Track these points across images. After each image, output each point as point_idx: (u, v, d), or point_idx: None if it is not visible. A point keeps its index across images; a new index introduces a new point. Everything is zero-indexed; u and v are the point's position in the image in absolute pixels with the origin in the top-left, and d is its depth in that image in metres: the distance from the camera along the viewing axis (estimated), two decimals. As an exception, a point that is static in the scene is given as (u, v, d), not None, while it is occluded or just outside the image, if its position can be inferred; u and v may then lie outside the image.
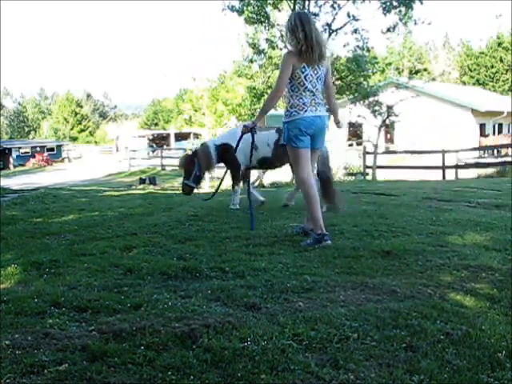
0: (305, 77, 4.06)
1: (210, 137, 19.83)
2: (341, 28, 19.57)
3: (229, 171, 6.26)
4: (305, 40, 3.96)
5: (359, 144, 28.38)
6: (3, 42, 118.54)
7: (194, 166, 6.09)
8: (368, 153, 19.44)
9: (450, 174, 16.38)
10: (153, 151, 39.80)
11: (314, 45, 3.98)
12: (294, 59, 4.03)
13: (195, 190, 6.55)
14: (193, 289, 2.95)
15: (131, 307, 2.65)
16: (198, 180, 6.23)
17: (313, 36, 3.99)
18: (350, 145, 30.42)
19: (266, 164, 6.44)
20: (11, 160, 45.98)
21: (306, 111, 4.07)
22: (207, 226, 4.86)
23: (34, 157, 46.65)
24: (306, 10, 18.87)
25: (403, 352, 2.12)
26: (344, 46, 19.75)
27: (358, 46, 19.40)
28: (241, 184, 6.34)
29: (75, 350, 2.14)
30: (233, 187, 6.35)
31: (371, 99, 20.20)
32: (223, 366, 2.01)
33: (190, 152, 6.53)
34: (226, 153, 6.07)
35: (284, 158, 6.17)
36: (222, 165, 6.52)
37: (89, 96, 77.88)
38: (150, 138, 49.63)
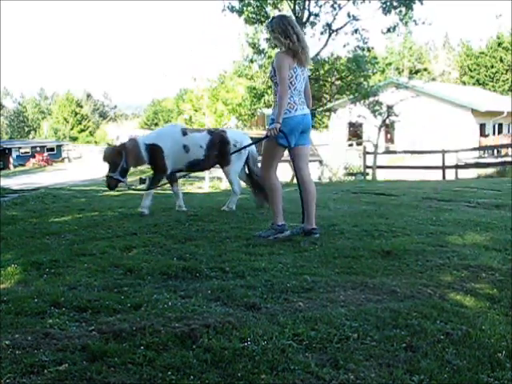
0: (296, 76, 4.22)
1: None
2: (341, 28, 19.61)
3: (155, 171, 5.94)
4: (298, 42, 4.14)
5: (359, 144, 28.38)
6: (3, 42, 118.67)
7: (120, 158, 5.62)
8: (368, 153, 19.44)
9: (450, 174, 16.38)
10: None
11: (305, 46, 4.20)
12: (290, 59, 4.17)
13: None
14: (193, 289, 2.95)
15: (131, 307, 2.65)
16: (125, 173, 5.77)
17: (304, 39, 4.26)
18: (350, 145, 30.44)
19: (197, 166, 6.17)
20: (11, 160, 46.06)
21: (296, 110, 4.22)
22: (207, 226, 4.85)
23: (33, 157, 46.70)
24: (306, 10, 18.89)
25: (403, 352, 2.13)
26: (344, 46, 19.83)
27: (358, 46, 19.45)
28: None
29: (75, 350, 2.14)
30: (147, 189, 5.96)
31: (371, 99, 20.25)
32: (223, 366, 2.01)
33: (114, 144, 6.07)
34: (153, 154, 5.79)
35: (215, 161, 6.06)
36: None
37: (89, 96, 77.87)
38: (150, 138, 49.53)
